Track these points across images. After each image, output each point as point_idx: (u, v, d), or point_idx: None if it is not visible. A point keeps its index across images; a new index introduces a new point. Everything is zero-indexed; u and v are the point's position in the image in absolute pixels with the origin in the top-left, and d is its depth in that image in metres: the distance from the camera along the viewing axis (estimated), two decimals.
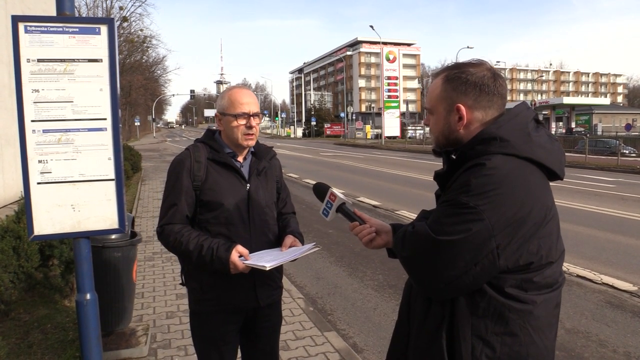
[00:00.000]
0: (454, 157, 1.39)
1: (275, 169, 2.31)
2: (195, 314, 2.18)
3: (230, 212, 2.08)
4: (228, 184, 2.11)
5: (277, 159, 2.36)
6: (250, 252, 2.03)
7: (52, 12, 2.00)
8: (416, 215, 1.61)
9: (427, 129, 1.66)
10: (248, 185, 2.14)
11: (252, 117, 2.11)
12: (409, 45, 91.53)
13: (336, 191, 1.72)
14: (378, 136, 50.59)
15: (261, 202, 2.16)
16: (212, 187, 2.08)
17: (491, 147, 1.30)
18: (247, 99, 2.12)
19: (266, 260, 1.96)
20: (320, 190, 1.77)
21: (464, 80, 1.37)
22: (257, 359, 2.28)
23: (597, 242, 7.35)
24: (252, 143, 2.16)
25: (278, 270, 2.21)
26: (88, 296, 2.07)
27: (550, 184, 1.38)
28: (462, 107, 1.37)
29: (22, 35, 1.89)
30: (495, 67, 1.42)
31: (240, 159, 2.19)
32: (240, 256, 1.98)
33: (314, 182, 1.87)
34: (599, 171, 18.83)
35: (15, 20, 1.89)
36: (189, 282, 2.19)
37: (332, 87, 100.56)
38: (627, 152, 26.88)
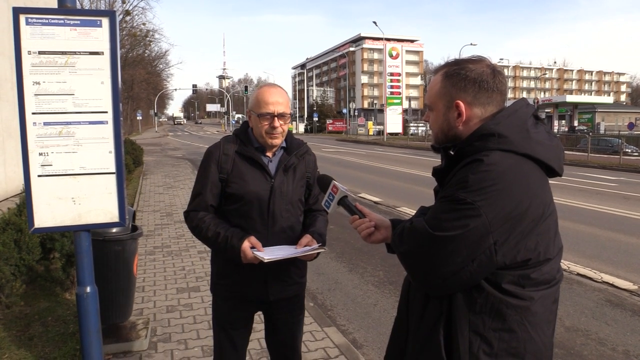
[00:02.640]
0: (452, 153, 1.39)
1: (308, 164, 2.29)
2: (213, 296, 2.30)
3: (250, 206, 2.11)
4: (252, 178, 2.12)
5: (312, 154, 2.35)
6: (266, 247, 2.06)
7: (54, 3, 2.00)
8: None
9: (429, 125, 1.68)
10: (273, 180, 2.14)
11: (276, 118, 2.09)
12: (412, 41, 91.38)
13: (338, 184, 1.72)
14: (380, 132, 50.52)
15: (284, 198, 2.16)
16: (236, 180, 2.12)
17: (489, 143, 1.29)
18: (273, 98, 2.10)
19: (275, 254, 1.99)
20: (324, 182, 1.79)
21: (464, 77, 1.37)
22: (278, 349, 2.35)
23: (598, 240, 7.34)
24: (277, 142, 2.15)
25: (297, 266, 2.23)
26: (88, 289, 2.08)
27: (552, 181, 1.38)
28: (462, 104, 1.37)
29: (24, 27, 1.89)
30: (496, 63, 1.41)
31: (269, 153, 2.19)
32: (253, 247, 2.01)
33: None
34: (601, 170, 18.78)
35: (17, 12, 1.88)
36: (211, 264, 2.29)
37: (334, 83, 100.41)
38: (629, 150, 26.79)
